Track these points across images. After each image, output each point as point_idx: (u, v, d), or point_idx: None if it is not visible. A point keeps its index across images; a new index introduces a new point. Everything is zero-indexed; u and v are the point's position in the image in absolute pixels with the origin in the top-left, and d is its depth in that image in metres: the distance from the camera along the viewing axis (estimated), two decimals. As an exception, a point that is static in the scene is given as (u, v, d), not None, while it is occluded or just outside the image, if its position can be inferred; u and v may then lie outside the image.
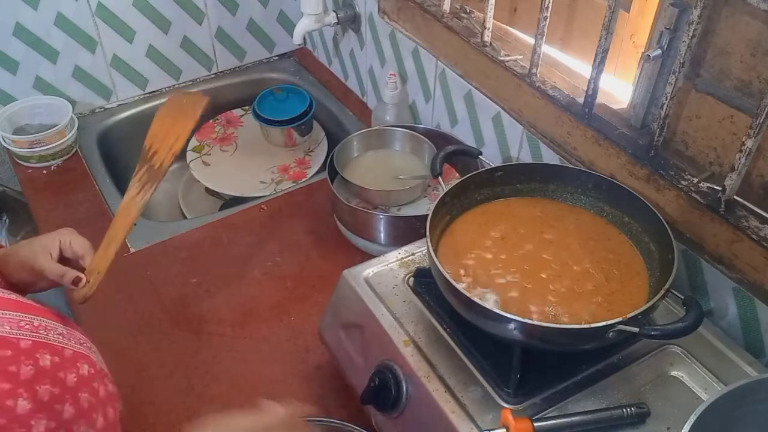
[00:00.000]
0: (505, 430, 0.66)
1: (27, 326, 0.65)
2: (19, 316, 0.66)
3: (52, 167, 1.36)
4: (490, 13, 1.02)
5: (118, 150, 1.50)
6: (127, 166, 1.54)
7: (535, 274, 0.79)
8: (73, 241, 0.82)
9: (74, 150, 1.39)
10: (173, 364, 0.98)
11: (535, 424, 0.66)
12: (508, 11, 1.10)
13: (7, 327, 0.63)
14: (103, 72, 1.48)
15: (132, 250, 1.16)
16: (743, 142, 0.71)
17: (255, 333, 1.02)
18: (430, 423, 0.73)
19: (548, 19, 0.92)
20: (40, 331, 0.66)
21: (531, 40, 0.96)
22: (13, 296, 0.68)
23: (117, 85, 1.51)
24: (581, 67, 0.98)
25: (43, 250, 0.80)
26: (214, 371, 0.97)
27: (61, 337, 0.68)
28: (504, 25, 1.12)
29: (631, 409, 0.69)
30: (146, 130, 1.53)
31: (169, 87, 1.58)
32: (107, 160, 1.42)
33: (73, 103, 1.44)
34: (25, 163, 1.36)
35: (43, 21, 1.35)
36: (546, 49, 1.00)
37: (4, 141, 1.33)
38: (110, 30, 1.43)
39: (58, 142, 1.34)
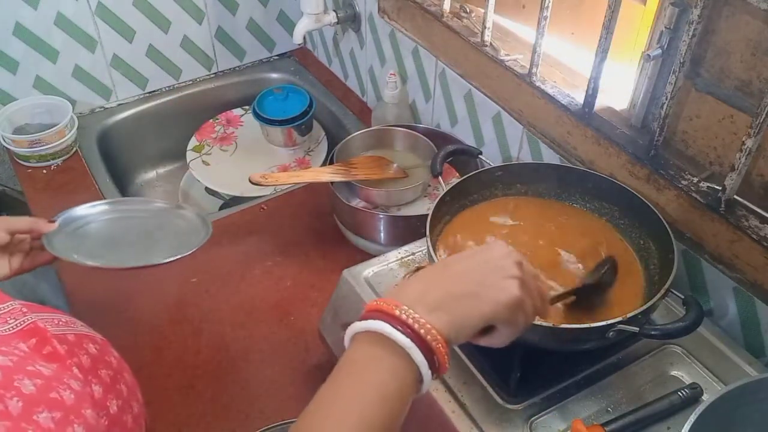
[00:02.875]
0: None
1: (62, 323, 0.67)
2: (51, 316, 0.67)
3: (52, 167, 1.36)
4: (491, 12, 1.02)
5: (118, 150, 1.50)
6: (127, 165, 1.56)
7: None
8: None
9: (74, 150, 1.39)
10: (173, 364, 0.98)
11: (606, 428, 0.67)
12: (516, 8, 1.10)
13: (50, 327, 0.64)
14: (103, 72, 1.48)
15: (132, 249, 1.16)
16: (743, 141, 0.71)
17: (255, 333, 1.02)
18: (430, 423, 0.73)
19: (548, 19, 0.92)
20: (71, 325, 0.68)
21: (532, 40, 0.96)
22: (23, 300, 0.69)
23: (117, 85, 1.51)
24: (590, 63, 0.97)
25: None
26: (214, 371, 0.97)
27: (84, 328, 0.70)
28: (504, 25, 1.12)
29: (685, 391, 0.70)
30: (146, 129, 1.55)
31: (169, 87, 1.58)
32: (107, 159, 1.42)
33: (73, 102, 1.44)
34: (25, 163, 1.36)
35: (43, 21, 1.35)
36: (551, 46, 0.99)
37: (4, 141, 1.33)
38: (110, 30, 1.43)
39: (58, 142, 1.34)
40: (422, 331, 0.51)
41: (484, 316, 0.54)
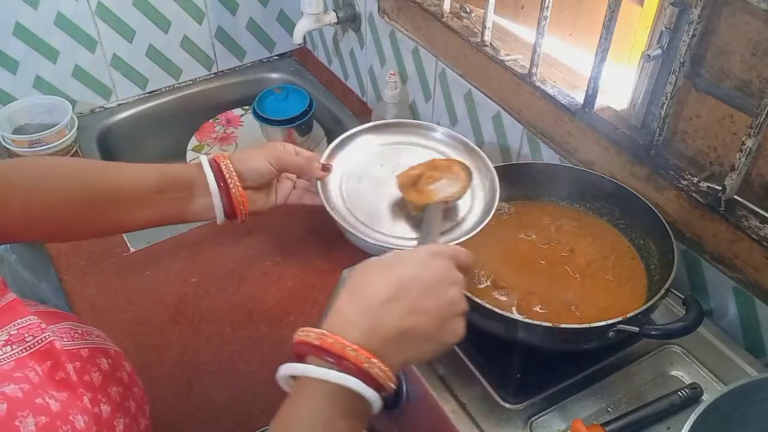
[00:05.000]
0: None
1: (78, 336, 0.67)
2: (68, 326, 0.66)
3: (52, 167, 1.36)
4: (491, 12, 1.02)
5: (118, 150, 1.50)
6: (127, 165, 1.55)
7: (533, 273, 0.79)
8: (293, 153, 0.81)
9: (74, 149, 1.39)
10: (173, 364, 0.98)
11: (606, 428, 0.67)
12: (515, 9, 1.10)
13: (66, 341, 0.64)
14: (103, 71, 1.48)
15: (132, 249, 1.16)
16: (743, 141, 0.71)
17: (255, 333, 1.02)
18: (430, 423, 0.73)
19: (548, 19, 0.92)
20: (86, 337, 0.67)
21: (532, 40, 0.96)
22: (42, 307, 0.68)
23: (117, 85, 1.51)
24: (589, 63, 0.97)
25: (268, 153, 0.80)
26: (214, 371, 0.97)
27: (99, 339, 0.70)
28: (504, 25, 1.12)
29: (685, 391, 0.70)
30: (146, 129, 1.55)
31: (169, 86, 1.58)
32: (107, 159, 1.42)
33: (73, 102, 1.44)
34: (25, 163, 1.36)
35: (43, 20, 1.35)
36: (550, 46, 0.99)
37: (4, 141, 1.33)
38: (110, 30, 1.43)
39: (58, 142, 1.34)
40: (385, 379, 0.50)
41: (435, 354, 0.55)
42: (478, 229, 0.79)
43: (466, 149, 0.90)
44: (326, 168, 0.83)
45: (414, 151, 0.89)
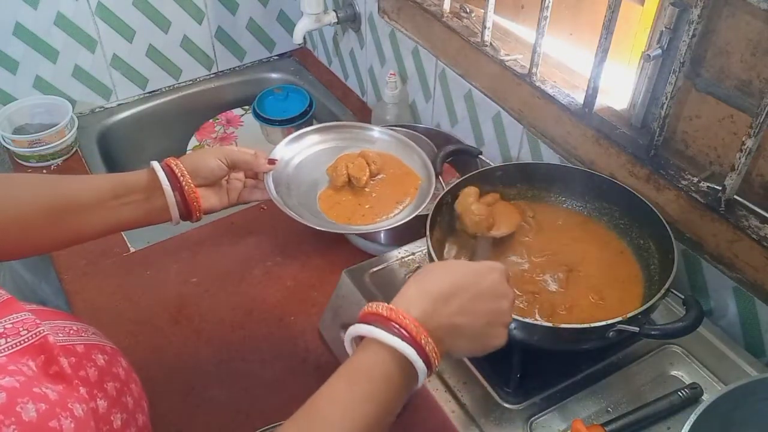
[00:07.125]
0: None
1: (73, 332, 0.67)
2: (63, 323, 0.67)
3: (52, 167, 1.36)
4: (491, 12, 1.02)
5: (118, 149, 1.51)
6: (127, 165, 1.55)
7: (533, 272, 0.79)
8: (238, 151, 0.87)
9: (74, 149, 1.39)
10: (173, 364, 0.98)
11: (606, 428, 0.67)
12: (515, 9, 1.10)
13: (61, 336, 0.64)
14: (103, 71, 1.48)
15: (132, 249, 1.16)
16: (743, 141, 0.71)
17: (255, 333, 1.02)
18: (430, 422, 0.73)
19: (548, 19, 0.92)
20: (81, 334, 0.68)
21: (532, 40, 0.96)
22: (36, 306, 0.68)
23: (117, 85, 1.51)
24: (589, 63, 0.97)
25: (217, 155, 0.85)
26: (214, 371, 0.97)
27: (95, 336, 0.70)
28: (504, 25, 1.12)
29: (685, 391, 0.70)
30: (146, 129, 1.55)
31: (169, 86, 1.58)
32: (107, 159, 1.42)
33: (73, 102, 1.44)
34: (25, 163, 1.36)
35: (43, 20, 1.35)
36: (550, 46, 0.99)
37: (4, 141, 1.33)
38: (110, 29, 1.43)
39: (58, 142, 1.34)
40: (434, 359, 0.56)
41: (474, 353, 0.61)
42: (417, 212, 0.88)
43: (398, 142, 1.00)
44: (272, 162, 0.91)
45: (351, 148, 1.00)
